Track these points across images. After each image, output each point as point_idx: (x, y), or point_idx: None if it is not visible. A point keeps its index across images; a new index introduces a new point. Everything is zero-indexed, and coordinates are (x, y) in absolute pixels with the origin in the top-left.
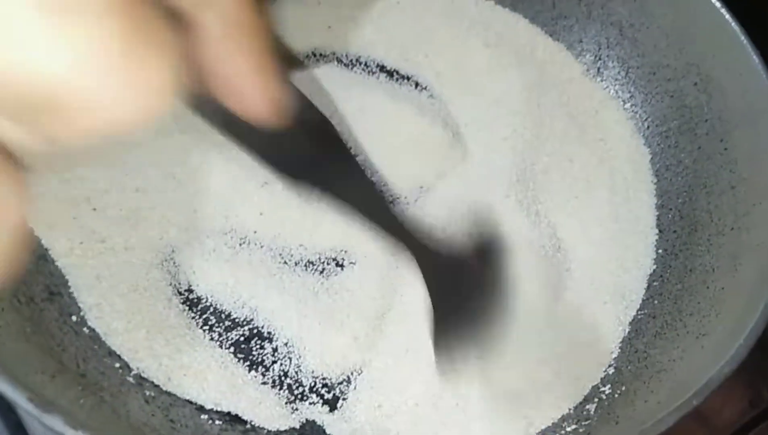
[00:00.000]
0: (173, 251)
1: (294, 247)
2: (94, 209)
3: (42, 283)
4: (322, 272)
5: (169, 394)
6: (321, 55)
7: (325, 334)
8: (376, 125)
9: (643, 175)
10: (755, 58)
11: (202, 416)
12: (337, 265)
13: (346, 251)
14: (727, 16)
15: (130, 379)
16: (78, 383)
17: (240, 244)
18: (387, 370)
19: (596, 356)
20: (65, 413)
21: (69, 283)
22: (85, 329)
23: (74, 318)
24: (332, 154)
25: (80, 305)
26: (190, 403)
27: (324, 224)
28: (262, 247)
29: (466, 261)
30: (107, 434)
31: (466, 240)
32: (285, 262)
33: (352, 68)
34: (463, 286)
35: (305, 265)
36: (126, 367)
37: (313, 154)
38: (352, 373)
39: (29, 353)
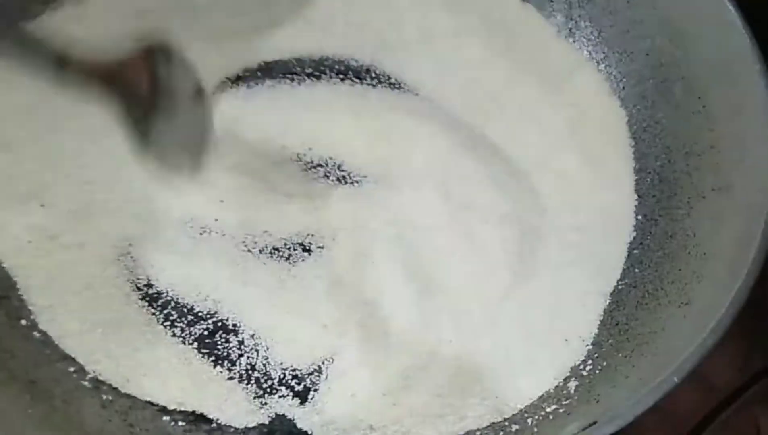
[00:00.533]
0: (130, 245)
1: (258, 234)
2: (42, 205)
3: None
4: (288, 259)
5: (128, 396)
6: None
7: (294, 323)
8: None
9: (620, 138)
10: (730, 8)
11: (164, 418)
12: (304, 250)
13: (312, 235)
14: None
15: (86, 383)
16: (28, 392)
17: (201, 234)
18: (359, 357)
19: (576, 331)
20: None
21: (17, 286)
22: (35, 333)
23: (23, 322)
24: None
25: (30, 308)
26: (151, 404)
27: (290, 208)
28: (224, 235)
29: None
30: None
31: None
32: (249, 250)
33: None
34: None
35: (270, 253)
36: (81, 370)
37: None
38: (323, 362)
39: None
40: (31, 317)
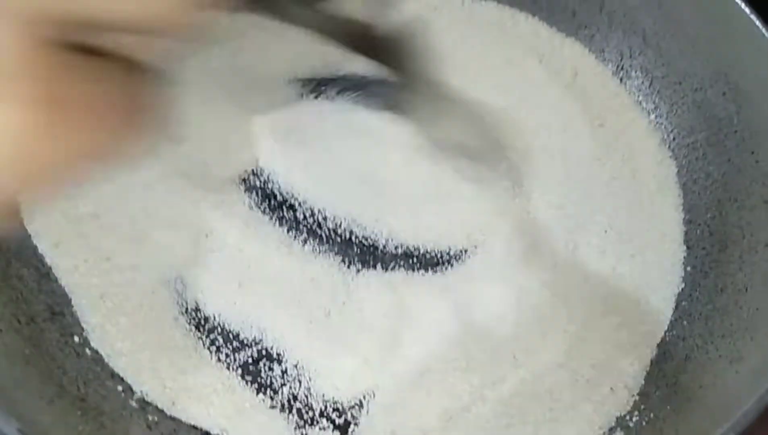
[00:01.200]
0: (181, 270)
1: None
2: (101, 227)
3: (44, 302)
4: (332, 292)
5: (173, 419)
6: None
7: (336, 356)
8: None
9: (669, 189)
10: None
11: None
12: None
13: (358, 271)
14: (757, 22)
15: (133, 403)
16: (78, 408)
17: (249, 266)
18: (401, 393)
19: (622, 381)
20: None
21: (72, 303)
22: (87, 350)
23: (76, 339)
24: None
25: (83, 325)
26: (195, 428)
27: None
28: (272, 265)
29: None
30: None
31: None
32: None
33: None
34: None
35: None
36: (129, 390)
37: None
38: (364, 397)
39: (27, 377)
40: (84, 335)
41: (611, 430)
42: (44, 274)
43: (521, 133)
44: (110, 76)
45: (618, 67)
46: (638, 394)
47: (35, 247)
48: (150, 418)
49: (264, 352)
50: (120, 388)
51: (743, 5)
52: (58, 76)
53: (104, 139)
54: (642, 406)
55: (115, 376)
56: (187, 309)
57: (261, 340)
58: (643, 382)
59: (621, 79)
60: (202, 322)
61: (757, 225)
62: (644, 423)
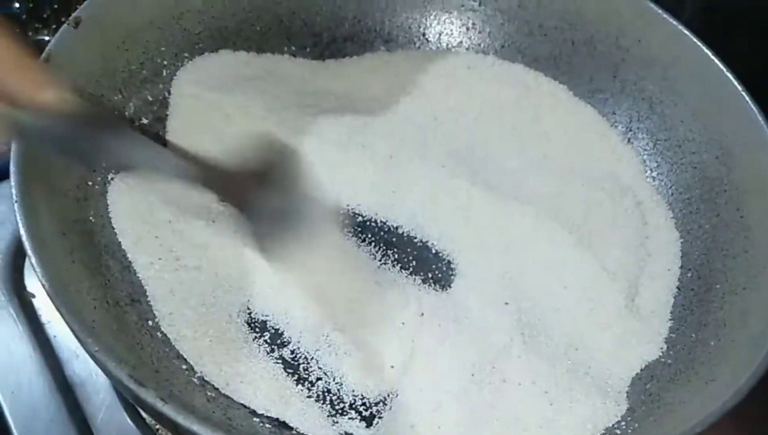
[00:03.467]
0: (239, 274)
1: None
2: (173, 231)
3: (126, 290)
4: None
5: (226, 396)
6: None
7: (365, 360)
8: None
9: (671, 245)
10: None
11: (255, 419)
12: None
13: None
14: (748, 98)
15: (195, 380)
16: (153, 377)
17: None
18: (420, 395)
19: (613, 397)
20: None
21: (147, 293)
22: (158, 333)
23: (150, 323)
24: (117, 135)
25: (155, 313)
26: (244, 407)
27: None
28: None
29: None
30: (190, 415)
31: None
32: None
33: None
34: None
35: None
36: (191, 369)
37: (100, 135)
38: (388, 395)
39: (115, 346)
40: (156, 320)
41: None
42: (126, 266)
43: None
44: None
45: (627, 128)
46: (626, 408)
47: (119, 243)
48: (209, 393)
49: (303, 349)
50: (184, 367)
51: (736, 83)
52: None
53: None
54: (629, 418)
55: (180, 357)
56: (241, 308)
57: (299, 342)
58: (630, 399)
59: (629, 140)
60: (254, 319)
61: (738, 271)
62: (629, 432)
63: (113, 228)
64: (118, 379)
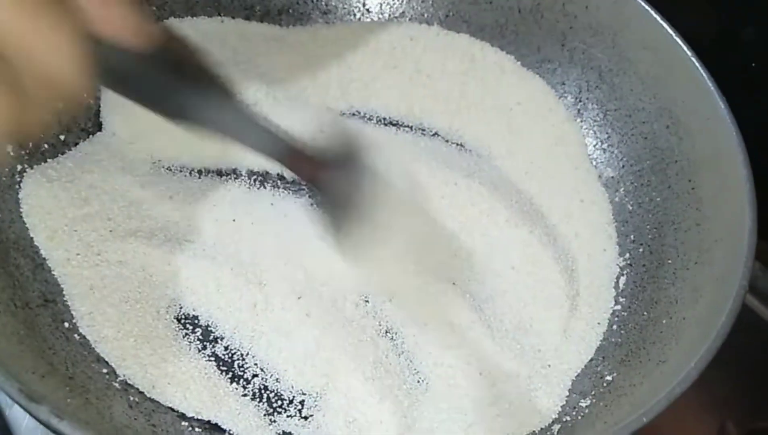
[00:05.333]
0: (164, 267)
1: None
2: (93, 225)
3: (38, 290)
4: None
5: (152, 400)
6: None
7: (302, 355)
8: None
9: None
10: (722, 105)
11: (183, 423)
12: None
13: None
14: (698, 65)
15: (116, 385)
16: (66, 384)
17: (232, 270)
18: (360, 388)
19: (559, 383)
20: (52, 406)
21: (64, 292)
22: (76, 336)
23: (66, 325)
24: (202, 85)
25: (73, 313)
26: (172, 410)
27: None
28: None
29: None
30: (90, 429)
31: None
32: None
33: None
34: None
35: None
36: (113, 373)
37: (181, 83)
38: (328, 389)
39: (21, 353)
40: (73, 321)
41: (549, 425)
42: (39, 264)
43: None
44: None
45: (576, 99)
46: (574, 393)
47: (32, 239)
48: (131, 398)
49: (238, 345)
50: (104, 370)
51: (686, 48)
52: None
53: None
54: (579, 402)
55: (100, 360)
56: (169, 304)
57: (233, 336)
58: (582, 385)
59: (578, 111)
60: (183, 316)
61: (690, 245)
62: (579, 417)
63: (24, 223)
64: (8, 394)
